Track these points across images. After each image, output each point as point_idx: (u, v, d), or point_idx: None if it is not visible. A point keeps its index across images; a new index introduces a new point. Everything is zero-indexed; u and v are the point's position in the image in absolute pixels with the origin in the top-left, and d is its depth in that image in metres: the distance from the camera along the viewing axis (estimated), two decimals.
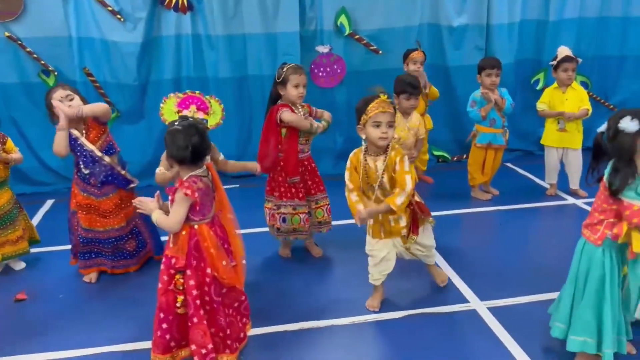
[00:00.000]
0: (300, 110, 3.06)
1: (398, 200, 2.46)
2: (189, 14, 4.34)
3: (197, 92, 2.43)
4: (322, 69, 4.64)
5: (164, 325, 2.25)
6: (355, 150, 2.57)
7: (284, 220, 3.11)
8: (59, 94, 2.85)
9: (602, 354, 2.13)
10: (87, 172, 2.91)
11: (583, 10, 4.90)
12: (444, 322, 2.58)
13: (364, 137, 2.50)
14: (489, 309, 2.66)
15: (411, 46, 4.69)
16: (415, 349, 2.40)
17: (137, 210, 2.31)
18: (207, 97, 2.43)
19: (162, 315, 2.25)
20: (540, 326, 2.44)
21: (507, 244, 3.44)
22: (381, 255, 2.63)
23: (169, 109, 2.40)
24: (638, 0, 4.94)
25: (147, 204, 2.25)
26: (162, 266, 2.25)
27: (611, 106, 5.21)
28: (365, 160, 2.51)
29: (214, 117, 2.42)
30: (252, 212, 3.53)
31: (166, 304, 2.24)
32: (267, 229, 3.33)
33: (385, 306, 2.71)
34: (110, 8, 4.24)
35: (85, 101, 2.95)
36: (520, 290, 2.82)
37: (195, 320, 2.21)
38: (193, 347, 2.23)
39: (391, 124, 2.46)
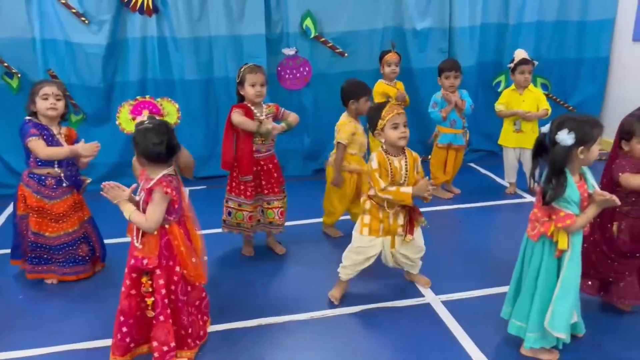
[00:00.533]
0: (263, 110, 3.10)
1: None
2: (154, 16, 4.37)
3: (147, 96, 2.47)
4: (288, 72, 4.70)
5: (124, 329, 2.29)
6: (376, 154, 2.60)
7: (229, 213, 3.21)
8: (50, 89, 2.85)
9: (525, 338, 2.25)
10: (58, 170, 2.89)
11: (541, 15, 5.05)
12: (399, 316, 2.66)
13: (383, 140, 2.61)
14: (443, 302, 2.75)
15: (376, 48, 4.82)
16: (370, 343, 2.48)
17: (101, 193, 2.21)
18: (159, 99, 2.48)
19: (122, 318, 2.28)
20: (492, 318, 2.53)
21: (466, 240, 3.55)
22: (371, 253, 2.69)
23: (125, 118, 2.44)
24: (594, 5, 5.12)
25: (118, 191, 2.19)
26: (126, 269, 2.27)
27: (570, 107, 5.38)
28: (390, 161, 2.59)
29: (170, 117, 2.47)
30: (217, 213, 3.57)
31: (128, 308, 2.27)
32: None
33: (341, 301, 2.78)
34: (74, 10, 4.24)
35: (68, 105, 2.98)
36: (475, 283, 2.92)
37: (161, 318, 2.25)
38: (155, 344, 2.26)
39: (406, 124, 2.59)
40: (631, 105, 5.06)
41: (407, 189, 2.55)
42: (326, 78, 4.76)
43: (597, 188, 2.19)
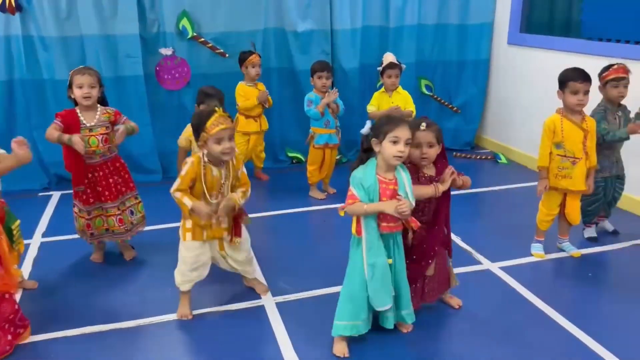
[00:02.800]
0: (96, 115, 3.00)
1: (241, 201, 2.59)
2: (17, 14, 4.19)
3: None
4: (167, 72, 4.64)
5: None
6: (192, 161, 2.51)
7: (75, 219, 3.16)
8: None
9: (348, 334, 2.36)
10: None
11: (422, 18, 5.19)
12: (230, 320, 2.67)
13: (206, 152, 2.51)
14: (277, 304, 2.78)
15: (258, 49, 4.81)
16: (192, 349, 2.47)
17: None
18: None
19: None
20: (320, 317, 2.59)
21: (326, 240, 3.61)
22: (202, 259, 2.64)
23: None
24: (473, 9, 5.30)
25: None
26: None
27: (455, 108, 5.56)
28: (205, 169, 2.50)
29: None
30: (67, 218, 3.49)
31: None
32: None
33: (174, 306, 2.75)
34: None
35: None
36: (318, 283, 2.96)
37: None
38: None
39: (232, 138, 2.49)
40: (508, 105, 5.34)
41: (188, 203, 2.49)
42: (208, 78, 4.70)
43: (407, 195, 2.25)
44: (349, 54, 5.02)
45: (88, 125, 2.98)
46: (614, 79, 3.23)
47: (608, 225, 3.64)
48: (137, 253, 3.32)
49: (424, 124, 2.39)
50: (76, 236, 3.33)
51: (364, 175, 2.25)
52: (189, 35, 4.58)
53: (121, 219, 3.15)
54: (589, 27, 4.44)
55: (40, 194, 4.41)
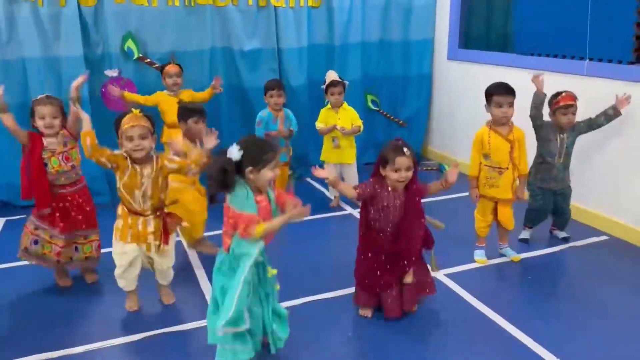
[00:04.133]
0: (58, 137, 3.01)
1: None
2: None
3: None
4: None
5: None
6: (119, 152, 2.65)
7: (35, 242, 3.09)
8: None
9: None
10: None
11: (365, 35, 5.36)
12: (179, 341, 2.66)
13: (124, 150, 2.62)
14: None
15: (206, 68, 4.87)
16: None
17: None
18: None
19: None
20: None
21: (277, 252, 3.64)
22: (127, 260, 2.73)
23: None
24: (414, 26, 5.51)
25: None
26: None
27: (401, 122, 5.73)
28: (135, 167, 2.62)
29: None
30: (13, 245, 3.40)
31: None
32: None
33: (122, 329, 2.75)
34: None
35: None
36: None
37: None
38: None
39: (144, 136, 2.59)
40: (451, 117, 5.54)
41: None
42: None
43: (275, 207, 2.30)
44: (296, 71, 5.13)
45: (50, 148, 2.99)
46: (563, 107, 3.41)
47: (560, 233, 3.81)
48: (98, 277, 3.28)
49: (407, 150, 2.52)
50: (23, 263, 3.25)
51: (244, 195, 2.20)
52: (135, 57, 4.58)
53: (59, 252, 3.09)
54: (521, 42, 4.69)
55: None
